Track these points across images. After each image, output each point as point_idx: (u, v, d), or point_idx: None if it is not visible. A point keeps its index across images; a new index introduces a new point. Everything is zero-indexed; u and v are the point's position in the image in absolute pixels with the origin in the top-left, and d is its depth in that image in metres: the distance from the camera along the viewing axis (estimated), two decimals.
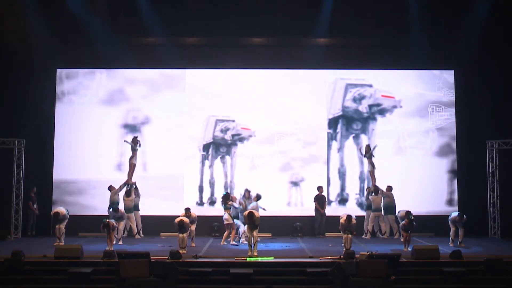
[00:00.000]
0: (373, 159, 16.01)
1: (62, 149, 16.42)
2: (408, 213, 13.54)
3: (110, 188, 15.30)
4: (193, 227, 13.63)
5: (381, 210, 15.53)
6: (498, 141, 16.03)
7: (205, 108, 16.67)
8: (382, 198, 15.54)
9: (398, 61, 16.49)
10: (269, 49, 16.89)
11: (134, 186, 15.57)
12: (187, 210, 13.72)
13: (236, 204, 14.56)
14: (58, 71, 16.70)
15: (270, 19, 16.50)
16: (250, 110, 16.68)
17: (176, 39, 16.59)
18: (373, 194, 15.60)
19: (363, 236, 15.46)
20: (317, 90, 16.81)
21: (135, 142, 15.81)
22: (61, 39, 16.16)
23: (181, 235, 12.58)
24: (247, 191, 15.01)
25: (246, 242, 13.46)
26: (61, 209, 13.69)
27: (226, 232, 14.20)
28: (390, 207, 15.42)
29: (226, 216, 14.14)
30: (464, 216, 13.77)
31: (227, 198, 14.48)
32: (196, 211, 14.61)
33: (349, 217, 12.78)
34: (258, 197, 14.40)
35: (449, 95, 16.81)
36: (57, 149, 16.42)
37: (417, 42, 16.14)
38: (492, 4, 15.84)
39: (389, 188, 15.58)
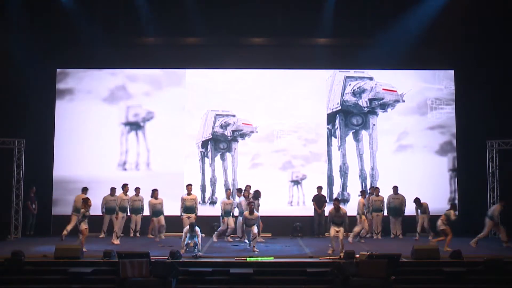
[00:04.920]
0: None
1: (62, 149, 16.44)
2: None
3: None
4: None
5: (381, 211, 15.61)
6: (498, 141, 16.01)
7: (206, 105, 16.70)
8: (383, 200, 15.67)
9: (398, 61, 16.43)
10: (269, 49, 16.89)
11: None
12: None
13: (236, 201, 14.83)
14: (58, 70, 16.74)
15: (270, 19, 16.51)
16: (251, 108, 16.70)
17: (176, 39, 16.62)
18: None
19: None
20: (317, 88, 16.82)
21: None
22: (61, 39, 16.17)
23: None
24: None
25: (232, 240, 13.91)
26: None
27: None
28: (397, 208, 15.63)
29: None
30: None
31: (258, 195, 14.64)
32: (197, 211, 14.79)
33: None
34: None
35: (450, 88, 16.79)
36: (57, 149, 16.45)
37: (417, 42, 16.12)
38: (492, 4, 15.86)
39: (377, 190, 15.69)
